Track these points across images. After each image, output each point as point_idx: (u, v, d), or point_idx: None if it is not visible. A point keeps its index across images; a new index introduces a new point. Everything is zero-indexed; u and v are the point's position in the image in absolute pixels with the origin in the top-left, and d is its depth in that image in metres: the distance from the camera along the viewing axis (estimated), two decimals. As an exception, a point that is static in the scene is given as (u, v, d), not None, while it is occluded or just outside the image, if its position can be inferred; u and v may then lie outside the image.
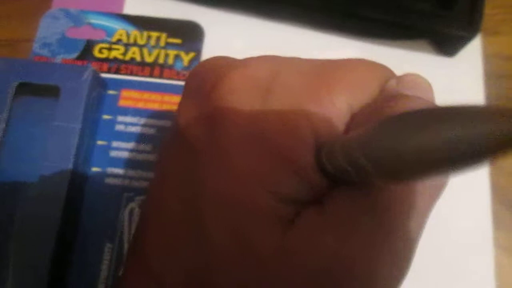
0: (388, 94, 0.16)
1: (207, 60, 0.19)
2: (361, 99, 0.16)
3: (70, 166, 0.25)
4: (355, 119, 0.16)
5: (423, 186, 0.15)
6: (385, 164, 0.11)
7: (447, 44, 0.30)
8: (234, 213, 0.15)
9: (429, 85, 0.17)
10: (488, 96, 0.30)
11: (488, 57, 0.31)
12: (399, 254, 0.15)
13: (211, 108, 0.16)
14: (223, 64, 0.18)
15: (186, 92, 0.19)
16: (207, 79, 0.18)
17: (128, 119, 0.29)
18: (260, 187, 0.15)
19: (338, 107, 0.15)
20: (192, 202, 0.16)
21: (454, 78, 0.31)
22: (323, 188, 0.15)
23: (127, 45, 0.30)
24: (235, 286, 0.15)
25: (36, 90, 0.27)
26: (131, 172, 0.28)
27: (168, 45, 0.30)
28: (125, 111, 0.29)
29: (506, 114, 0.08)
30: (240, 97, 0.16)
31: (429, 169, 0.10)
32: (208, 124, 0.16)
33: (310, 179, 0.15)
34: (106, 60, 0.30)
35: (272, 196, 0.15)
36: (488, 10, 0.31)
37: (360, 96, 0.16)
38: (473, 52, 0.31)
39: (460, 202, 0.29)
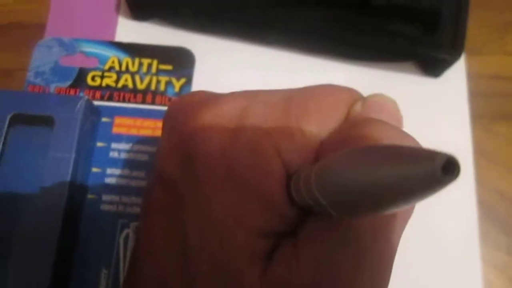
0: (353, 119, 0.16)
1: (181, 98, 0.20)
2: (329, 126, 0.16)
3: (65, 194, 0.26)
4: (323, 147, 0.16)
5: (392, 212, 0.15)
6: (337, 200, 0.12)
7: (432, 66, 0.31)
8: (215, 253, 0.16)
9: (395, 105, 0.17)
10: (473, 114, 0.31)
11: (473, 76, 0.32)
12: (376, 278, 0.16)
13: (184, 146, 0.17)
14: (195, 102, 0.18)
15: (163, 133, 0.19)
16: (180, 118, 0.18)
17: (122, 146, 0.29)
18: (237, 225, 0.15)
19: (307, 136, 0.15)
20: (178, 244, 0.16)
21: (440, 98, 0.31)
22: (297, 218, 0.16)
23: (119, 73, 0.31)
24: None
25: (31, 120, 0.28)
26: (126, 199, 0.28)
27: (159, 71, 0.31)
28: (119, 138, 0.30)
29: (427, 157, 0.09)
30: (212, 136, 0.16)
31: (379, 205, 0.11)
32: (184, 164, 0.17)
33: (282, 211, 0.15)
34: (99, 87, 0.31)
35: (247, 232, 0.15)
36: (472, 30, 0.31)
37: (328, 123, 0.16)
38: (457, 72, 0.32)
39: (447, 219, 0.29)
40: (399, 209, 0.11)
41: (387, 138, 0.14)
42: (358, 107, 0.17)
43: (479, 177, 0.30)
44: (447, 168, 0.09)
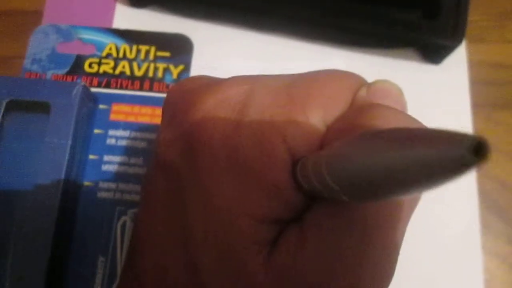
0: (358, 105, 0.16)
1: (181, 83, 0.19)
2: (334, 112, 0.16)
3: (61, 181, 0.26)
4: (329, 133, 0.16)
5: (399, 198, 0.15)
6: (350, 185, 0.12)
7: (432, 52, 0.30)
8: (218, 240, 0.15)
9: (399, 91, 0.17)
10: (474, 102, 0.31)
11: (474, 64, 0.32)
12: (380, 267, 0.15)
13: (187, 135, 0.17)
14: (196, 88, 0.18)
15: (163, 120, 0.19)
16: (181, 104, 0.18)
17: (119, 133, 0.29)
18: (240, 212, 0.15)
19: (312, 123, 0.15)
20: (179, 231, 0.16)
21: (440, 85, 0.31)
22: (303, 205, 0.16)
23: (116, 59, 0.31)
24: None
25: (27, 106, 0.28)
26: (123, 186, 0.28)
27: (157, 58, 0.31)
28: (116, 125, 0.29)
29: (453, 140, 0.08)
30: (214, 122, 0.16)
31: (394, 190, 0.10)
32: (186, 152, 0.16)
33: (287, 197, 0.15)
34: (96, 74, 0.30)
35: (252, 219, 0.15)
36: (473, 18, 0.31)
37: (333, 109, 0.16)
38: (458, 59, 0.31)
39: (448, 208, 0.29)
40: (418, 193, 0.10)
41: (396, 122, 0.14)
42: (363, 93, 0.16)
43: (480, 167, 0.30)
44: (477, 150, 0.08)
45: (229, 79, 0.17)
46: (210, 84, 0.17)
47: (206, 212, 0.16)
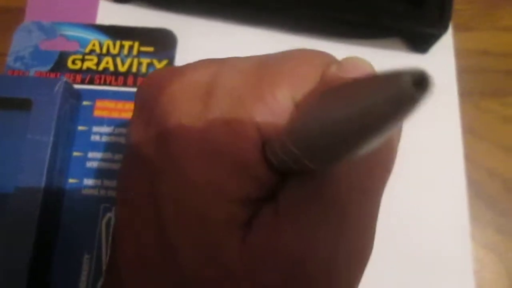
0: (327, 80, 0.16)
1: (151, 74, 0.19)
2: (303, 89, 0.16)
3: (43, 178, 0.25)
4: (297, 110, 0.16)
5: (369, 167, 0.15)
6: (309, 146, 0.12)
7: (418, 41, 0.30)
8: (194, 225, 0.15)
9: (371, 67, 0.16)
10: (462, 91, 0.31)
11: (460, 52, 0.31)
12: (356, 240, 0.15)
13: (156, 122, 0.16)
14: (163, 76, 0.18)
15: (134, 109, 0.19)
16: (150, 92, 0.18)
17: (104, 129, 0.29)
18: (213, 195, 0.15)
19: (280, 101, 0.15)
20: (155, 221, 0.16)
21: (428, 75, 0.31)
22: (275, 183, 0.15)
23: (100, 55, 0.31)
24: None
25: (9, 103, 0.27)
26: (108, 182, 0.28)
27: (141, 53, 0.31)
28: (100, 121, 0.29)
29: (394, 78, 0.08)
30: (182, 106, 0.16)
31: (349, 141, 0.10)
32: (157, 139, 0.16)
33: (259, 176, 0.15)
34: (79, 71, 0.30)
35: (225, 201, 0.15)
36: (459, 6, 0.31)
37: (301, 86, 0.16)
38: (445, 48, 0.31)
39: (436, 198, 0.29)
40: (376, 141, 0.10)
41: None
42: (333, 69, 0.16)
43: (468, 155, 0.30)
44: (419, 83, 0.08)
45: (194, 62, 0.17)
46: (175, 69, 0.17)
47: (179, 195, 0.16)
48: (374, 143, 0.10)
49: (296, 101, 0.15)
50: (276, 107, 0.15)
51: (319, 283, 0.15)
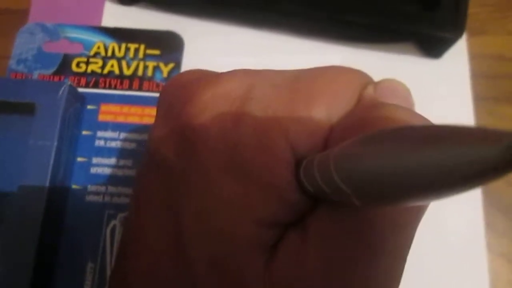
0: (365, 103, 0.15)
1: (178, 76, 0.18)
2: (339, 109, 0.15)
3: (47, 184, 0.25)
4: (335, 131, 0.15)
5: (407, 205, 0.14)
6: (364, 187, 0.10)
7: (432, 46, 0.29)
8: (215, 243, 0.14)
9: (407, 91, 0.16)
10: (476, 96, 0.30)
11: (475, 57, 0.31)
12: (387, 273, 0.14)
13: (183, 129, 0.15)
14: (193, 81, 0.17)
15: (158, 112, 0.18)
16: (178, 97, 0.17)
17: (108, 134, 0.28)
18: (239, 214, 0.14)
19: (316, 119, 0.14)
20: (172, 232, 0.15)
21: (441, 80, 0.30)
22: (305, 207, 0.14)
23: (105, 58, 0.30)
24: None
25: (12, 107, 0.27)
26: (112, 189, 0.27)
27: (147, 56, 0.30)
28: (105, 126, 0.28)
29: (491, 138, 0.07)
30: (212, 117, 0.15)
31: (411, 194, 0.09)
32: (181, 150, 0.15)
33: (289, 199, 0.14)
34: (84, 74, 0.29)
35: (251, 221, 0.14)
36: (473, 10, 0.30)
37: (338, 106, 0.15)
38: (459, 53, 0.30)
39: (452, 206, 0.28)
40: (436, 199, 0.09)
41: (410, 121, 0.13)
42: (370, 91, 0.15)
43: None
44: None
45: (228, 72, 0.16)
46: (208, 77, 0.16)
47: (203, 212, 0.15)
48: (435, 199, 0.09)
49: (331, 120, 0.15)
50: (311, 126, 0.14)
51: None
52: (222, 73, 0.16)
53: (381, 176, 0.10)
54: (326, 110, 0.15)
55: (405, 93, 0.16)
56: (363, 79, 0.16)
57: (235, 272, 0.14)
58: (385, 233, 0.14)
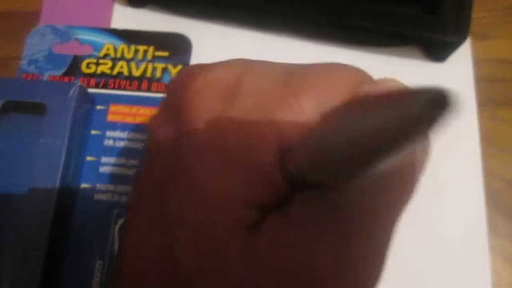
0: (357, 98, 0.15)
1: (181, 70, 0.19)
2: (330, 102, 0.15)
3: (57, 183, 0.25)
4: (322, 122, 0.15)
5: (385, 191, 0.15)
6: (330, 159, 0.11)
7: (436, 49, 0.30)
8: (198, 220, 0.15)
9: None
10: (480, 100, 0.30)
11: (479, 61, 0.31)
12: (368, 258, 0.15)
13: (176, 115, 0.16)
14: (190, 72, 0.18)
15: (160, 105, 0.19)
16: (175, 89, 0.18)
17: (117, 134, 0.29)
18: (224, 193, 0.15)
19: (305, 109, 0.15)
20: (162, 214, 0.16)
21: (445, 83, 0.30)
22: (288, 192, 0.15)
23: (114, 60, 0.30)
24: None
25: (23, 107, 0.27)
26: (121, 188, 0.28)
27: (155, 58, 0.30)
28: (114, 126, 0.29)
29: (413, 98, 0.08)
30: (204, 100, 0.16)
31: (367, 156, 0.10)
32: (175, 133, 0.16)
33: (273, 182, 0.15)
34: (93, 75, 0.30)
35: (235, 201, 0.15)
36: (477, 14, 0.30)
37: (329, 99, 0.15)
38: (463, 57, 0.31)
39: (454, 209, 0.28)
40: (392, 159, 0.10)
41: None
42: (365, 88, 0.16)
43: (486, 166, 0.29)
44: (437, 102, 0.08)
45: (222, 61, 0.17)
46: (203, 66, 0.17)
47: (187, 190, 0.15)
48: (389, 160, 0.10)
49: (322, 113, 0.15)
50: (299, 114, 0.15)
51: None
52: (216, 62, 0.17)
53: (340, 145, 0.11)
54: (316, 101, 0.15)
55: None
56: (359, 76, 0.16)
57: (214, 248, 0.15)
58: (364, 217, 0.14)
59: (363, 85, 0.16)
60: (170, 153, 0.16)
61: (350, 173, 0.12)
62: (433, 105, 0.08)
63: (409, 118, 0.08)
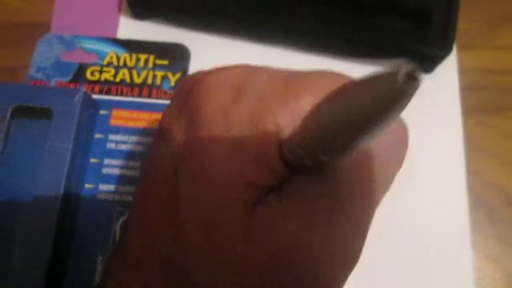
0: None
1: (190, 75, 0.21)
2: None
3: (62, 183, 0.27)
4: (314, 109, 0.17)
5: (370, 178, 0.17)
6: (321, 136, 0.13)
7: (423, 61, 0.31)
8: (205, 203, 0.17)
9: None
10: (465, 108, 0.32)
11: (464, 71, 0.32)
12: (347, 239, 0.17)
13: (189, 108, 0.18)
14: (203, 71, 0.20)
15: (171, 99, 0.21)
16: (187, 84, 0.20)
17: (119, 137, 0.30)
18: (230, 176, 0.17)
19: (303, 107, 0.17)
20: (170, 200, 0.18)
21: (432, 93, 0.32)
22: (284, 175, 0.17)
23: (117, 68, 0.32)
24: (205, 270, 0.17)
25: (31, 112, 0.29)
26: (122, 188, 0.29)
27: (156, 66, 0.32)
28: (116, 130, 0.30)
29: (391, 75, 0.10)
30: (215, 96, 0.18)
31: (356, 131, 0.12)
32: (186, 125, 0.18)
33: (273, 166, 0.17)
34: (97, 82, 0.32)
35: (240, 183, 0.17)
36: (463, 25, 0.32)
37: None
38: (449, 67, 0.32)
39: (439, 209, 0.30)
40: (376, 133, 0.12)
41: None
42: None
43: (470, 169, 0.30)
44: (410, 77, 0.10)
45: (233, 64, 0.19)
46: (215, 68, 0.20)
47: (197, 174, 0.17)
48: (374, 135, 0.12)
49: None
50: (297, 112, 0.17)
51: (307, 269, 0.16)
52: (227, 65, 0.20)
53: (332, 124, 0.13)
54: (311, 99, 0.17)
55: None
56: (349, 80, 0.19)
57: (218, 227, 0.17)
58: (349, 199, 0.17)
59: None
60: (182, 142, 0.18)
61: (345, 144, 0.13)
62: (410, 77, 0.10)
63: (393, 90, 0.10)
